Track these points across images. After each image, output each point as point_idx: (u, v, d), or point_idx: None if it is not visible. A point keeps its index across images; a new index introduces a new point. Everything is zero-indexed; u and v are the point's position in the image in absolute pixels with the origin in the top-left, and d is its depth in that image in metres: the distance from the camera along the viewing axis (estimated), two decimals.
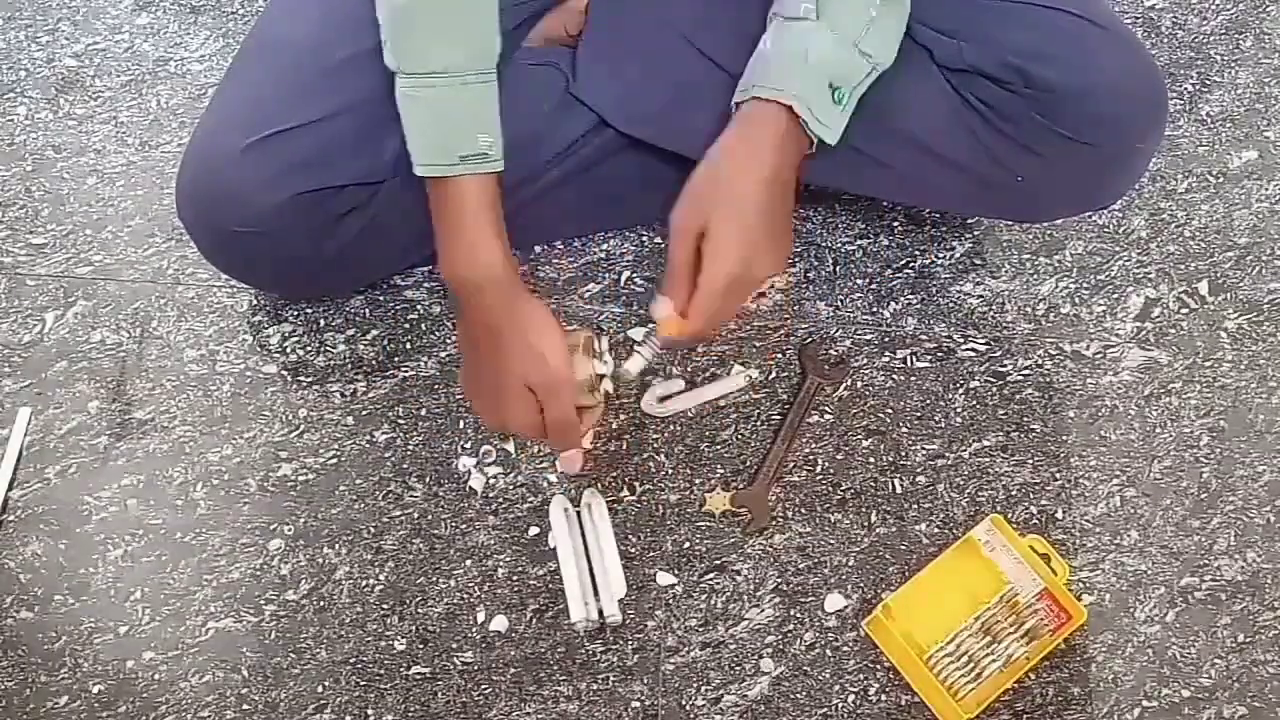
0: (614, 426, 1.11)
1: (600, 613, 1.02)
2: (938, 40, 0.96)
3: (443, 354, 1.14)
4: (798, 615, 1.03)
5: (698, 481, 1.08)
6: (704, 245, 0.88)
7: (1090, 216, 1.21)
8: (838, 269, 1.18)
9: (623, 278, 1.18)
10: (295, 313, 1.17)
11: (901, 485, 1.08)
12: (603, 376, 0.94)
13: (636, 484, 1.08)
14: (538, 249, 1.19)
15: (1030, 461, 1.09)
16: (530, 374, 0.90)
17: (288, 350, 1.15)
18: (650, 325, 0.95)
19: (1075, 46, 0.93)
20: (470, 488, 1.08)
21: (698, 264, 0.88)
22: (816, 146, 0.91)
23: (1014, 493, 1.08)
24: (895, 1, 0.91)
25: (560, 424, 0.92)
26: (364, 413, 1.12)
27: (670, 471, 1.09)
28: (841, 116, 0.91)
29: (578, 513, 1.06)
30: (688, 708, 1.00)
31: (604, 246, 1.20)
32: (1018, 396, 1.12)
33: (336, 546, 1.06)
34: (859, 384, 1.13)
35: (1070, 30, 0.93)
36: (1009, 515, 1.06)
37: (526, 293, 0.91)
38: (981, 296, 1.17)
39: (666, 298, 0.90)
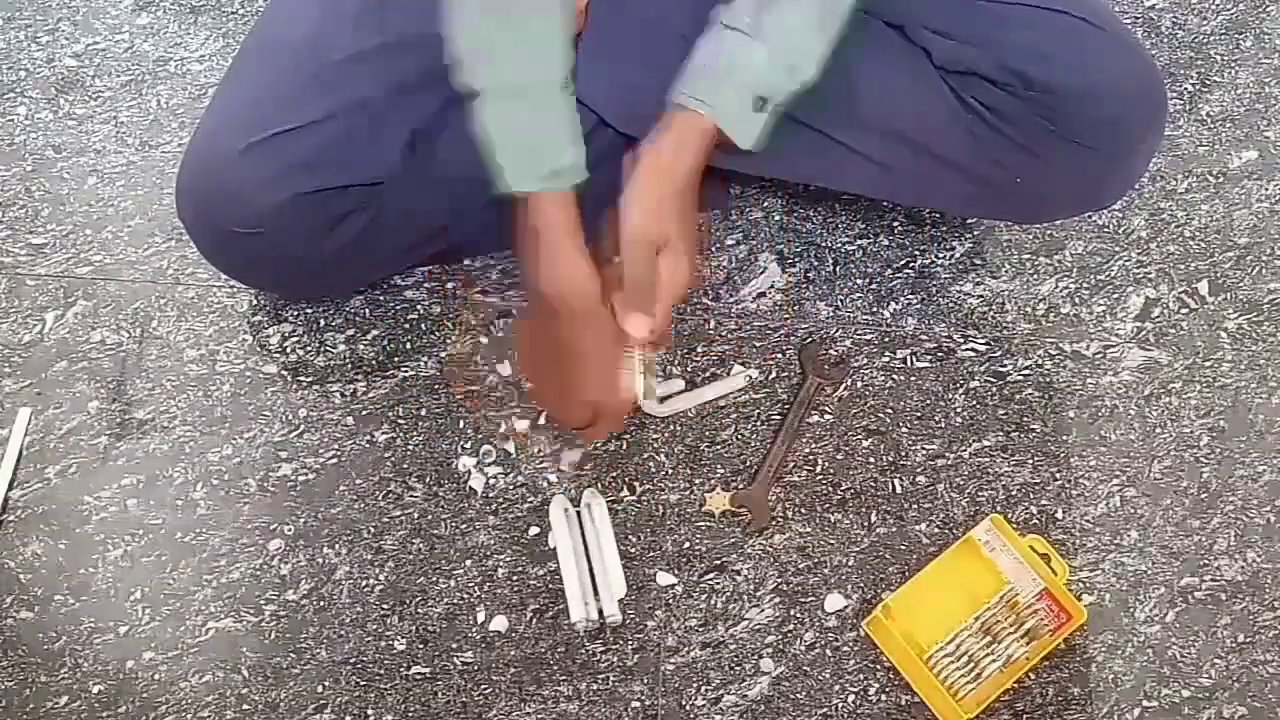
0: None
1: (600, 613, 1.02)
2: (936, 42, 0.96)
3: (443, 354, 1.14)
4: (798, 615, 1.03)
5: (698, 481, 1.08)
6: (664, 256, 0.90)
7: (1090, 216, 1.21)
8: (838, 269, 1.18)
9: None
10: (295, 313, 1.17)
11: (901, 485, 1.08)
12: None
13: (636, 484, 1.08)
14: None
15: (1030, 461, 1.09)
16: (604, 398, 0.93)
17: (288, 350, 1.15)
18: None
19: (1074, 48, 0.93)
20: (470, 488, 1.08)
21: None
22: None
23: (1014, 493, 1.08)
24: (828, 26, 0.91)
25: (607, 429, 0.97)
26: (364, 413, 1.12)
27: (670, 471, 1.09)
28: (763, 124, 0.92)
29: (578, 513, 1.06)
30: (688, 708, 1.00)
31: None
32: (1018, 396, 1.12)
33: (336, 546, 1.06)
34: (859, 384, 1.13)
35: (1069, 31, 0.93)
36: (1009, 515, 1.06)
37: (608, 313, 0.91)
38: (981, 296, 1.17)
39: (641, 315, 0.91)
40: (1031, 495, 1.08)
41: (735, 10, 0.92)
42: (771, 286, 1.17)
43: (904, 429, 1.11)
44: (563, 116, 0.89)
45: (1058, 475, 1.09)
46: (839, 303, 1.17)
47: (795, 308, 1.16)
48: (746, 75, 0.91)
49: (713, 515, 1.07)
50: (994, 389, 1.13)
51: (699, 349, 1.14)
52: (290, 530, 1.07)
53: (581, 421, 0.97)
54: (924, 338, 1.15)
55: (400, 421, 1.11)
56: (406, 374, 1.13)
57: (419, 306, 1.17)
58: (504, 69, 0.87)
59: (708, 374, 1.13)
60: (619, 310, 0.93)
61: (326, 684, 1.01)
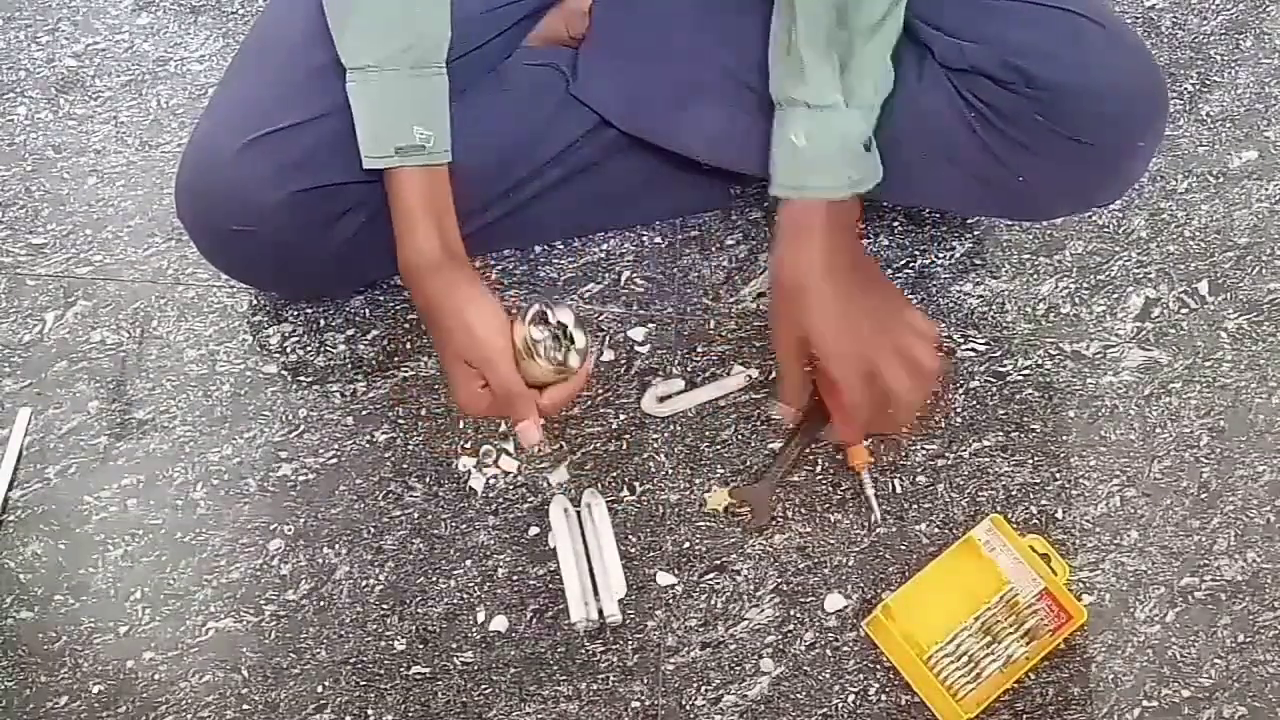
0: (614, 426, 1.11)
1: (600, 613, 1.02)
2: (938, 39, 0.96)
3: None
4: (798, 615, 1.03)
5: (698, 481, 1.08)
6: (816, 354, 0.92)
7: (1090, 216, 1.21)
8: None
9: (623, 278, 1.18)
10: (295, 313, 1.17)
11: (901, 485, 1.08)
12: (565, 345, 0.91)
13: (636, 484, 1.08)
14: (538, 249, 1.19)
15: (1030, 461, 1.09)
16: (462, 347, 0.90)
17: (288, 350, 1.15)
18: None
19: (1076, 45, 0.93)
20: (470, 488, 1.08)
21: (812, 360, 0.94)
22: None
23: (1014, 493, 1.08)
24: (893, 43, 0.92)
25: (503, 393, 0.90)
26: (364, 413, 1.12)
27: (670, 471, 1.09)
28: (874, 160, 0.93)
29: (578, 513, 1.06)
30: (688, 708, 1.00)
31: (604, 246, 1.20)
32: (1018, 396, 1.12)
33: (336, 546, 1.06)
34: None
35: (1071, 29, 0.93)
36: (1009, 515, 1.06)
37: (467, 277, 0.91)
38: (981, 296, 1.17)
39: (786, 405, 0.99)
40: (1031, 495, 1.08)
41: (817, 86, 0.90)
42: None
43: (904, 429, 1.10)
44: (410, 94, 0.90)
45: (1058, 475, 1.09)
46: None
47: None
48: (855, 140, 0.91)
49: (715, 514, 1.07)
50: (994, 389, 1.13)
51: (699, 349, 1.14)
52: (290, 530, 1.07)
53: (479, 403, 0.91)
54: None
55: (400, 421, 1.11)
56: (406, 374, 1.13)
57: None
58: (355, 43, 0.89)
59: (708, 374, 1.13)
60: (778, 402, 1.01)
61: (326, 684, 1.01)
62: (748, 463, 1.09)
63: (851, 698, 1.00)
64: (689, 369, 1.13)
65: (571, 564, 1.03)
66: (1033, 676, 1.00)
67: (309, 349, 1.15)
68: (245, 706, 1.00)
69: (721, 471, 1.08)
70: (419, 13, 0.90)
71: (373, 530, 1.07)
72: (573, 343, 0.91)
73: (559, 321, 0.91)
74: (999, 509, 1.07)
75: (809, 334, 0.92)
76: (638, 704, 1.00)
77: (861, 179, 0.92)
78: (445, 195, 0.91)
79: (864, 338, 0.92)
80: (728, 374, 1.13)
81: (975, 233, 1.20)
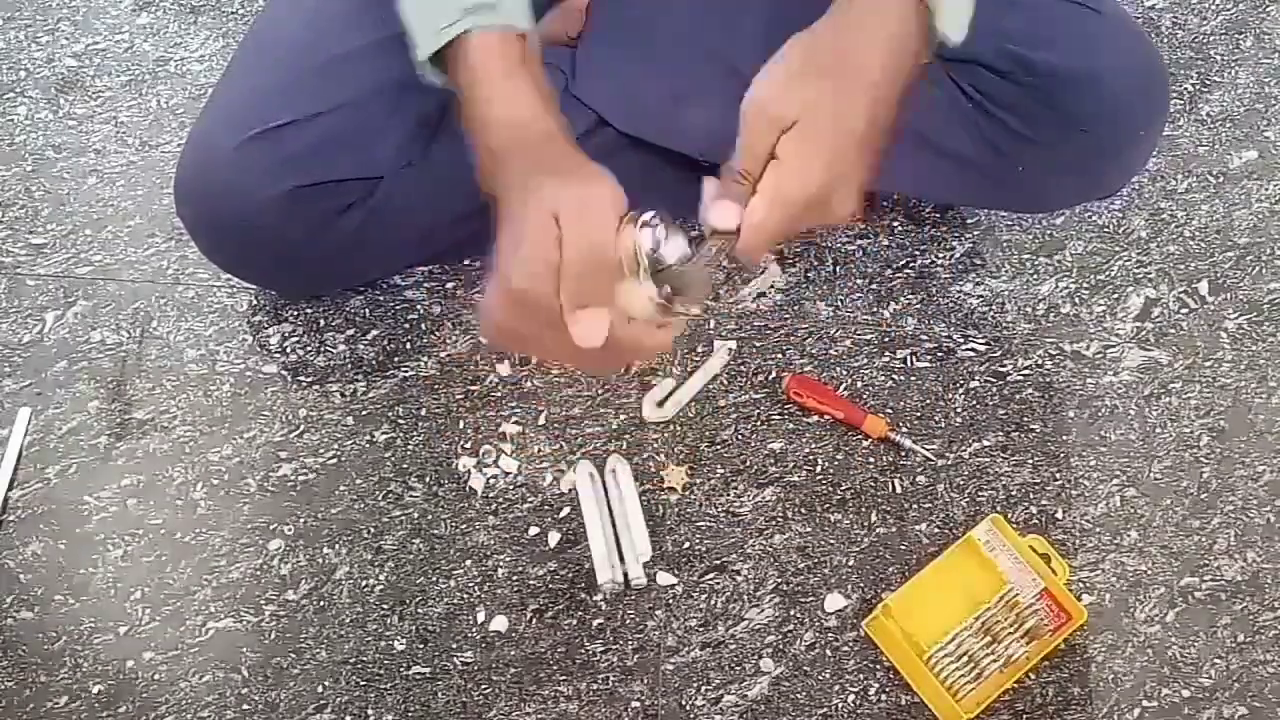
0: (614, 426, 1.11)
1: (626, 575, 1.02)
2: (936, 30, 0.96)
3: (443, 354, 1.14)
4: (798, 615, 1.03)
5: (698, 481, 1.08)
6: (786, 146, 0.72)
7: (1090, 216, 1.21)
8: (838, 269, 1.18)
9: None
10: (295, 313, 1.17)
11: (901, 485, 1.08)
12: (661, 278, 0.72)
13: (636, 484, 1.08)
14: None
15: (1030, 461, 1.09)
16: (561, 200, 0.70)
17: (288, 350, 1.15)
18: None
19: (1075, 33, 0.93)
20: (470, 488, 1.08)
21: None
22: (934, 51, 0.78)
23: (1014, 493, 1.08)
24: None
25: (587, 264, 0.69)
26: (364, 413, 1.12)
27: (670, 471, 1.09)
28: (968, 6, 0.77)
29: (603, 477, 1.06)
30: (688, 708, 1.00)
31: None
32: (1018, 396, 1.12)
33: (336, 546, 1.06)
34: (859, 384, 1.13)
35: (1070, 17, 0.93)
36: (1009, 515, 1.06)
37: (583, 167, 0.74)
38: (981, 296, 1.17)
39: (730, 204, 0.74)
40: (1031, 495, 1.08)
41: None
42: (771, 286, 1.17)
43: (904, 429, 1.10)
44: None
45: (1058, 475, 1.09)
46: (839, 303, 1.17)
47: (795, 308, 1.16)
48: None
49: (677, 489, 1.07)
50: (994, 389, 1.13)
51: (699, 349, 1.14)
52: (290, 530, 1.07)
53: (545, 282, 0.69)
54: (924, 338, 1.15)
55: (400, 421, 1.11)
56: (406, 374, 1.13)
57: (419, 306, 1.17)
58: None
59: (691, 367, 1.12)
60: (708, 190, 0.74)
61: (326, 684, 1.01)
62: (748, 463, 1.09)
63: (851, 698, 1.00)
64: (687, 369, 1.13)
65: (598, 527, 1.03)
66: (1033, 676, 1.00)
67: (309, 349, 1.15)
68: (245, 706, 1.00)
69: (722, 472, 1.08)
70: None
71: (373, 530, 1.07)
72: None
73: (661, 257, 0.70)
74: (999, 509, 1.07)
75: (804, 125, 0.72)
76: (638, 704, 1.00)
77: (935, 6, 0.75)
78: (533, 62, 0.73)
79: (843, 181, 0.75)
80: (710, 354, 1.13)
81: (975, 233, 1.20)
